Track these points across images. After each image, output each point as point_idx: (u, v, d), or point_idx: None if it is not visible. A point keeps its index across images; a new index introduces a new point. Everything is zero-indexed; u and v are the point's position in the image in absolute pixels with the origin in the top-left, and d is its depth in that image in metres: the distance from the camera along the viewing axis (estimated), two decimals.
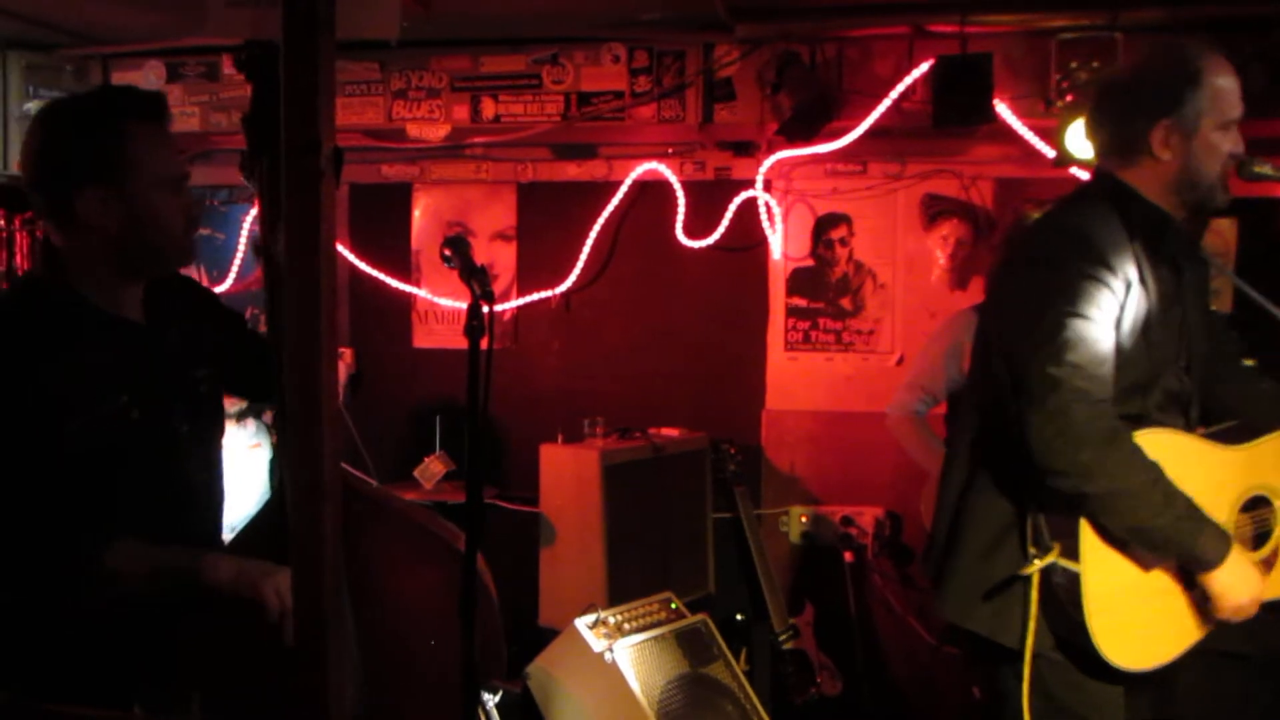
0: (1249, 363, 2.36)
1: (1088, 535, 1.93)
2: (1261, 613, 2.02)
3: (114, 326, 1.82)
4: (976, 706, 2.32)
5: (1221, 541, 1.91)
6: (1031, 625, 1.96)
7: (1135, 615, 1.96)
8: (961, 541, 2.13)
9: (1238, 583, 1.93)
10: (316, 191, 1.24)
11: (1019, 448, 1.92)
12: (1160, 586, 1.99)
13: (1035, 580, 1.95)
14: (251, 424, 4.06)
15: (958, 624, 2.16)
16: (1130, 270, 1.96)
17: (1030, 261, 2.07)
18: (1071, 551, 1.92)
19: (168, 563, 1.76)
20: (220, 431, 2.06)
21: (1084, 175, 2.38)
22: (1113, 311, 1.94)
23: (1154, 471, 1.88)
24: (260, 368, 1.95)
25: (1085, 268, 1.93)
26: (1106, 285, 1.93)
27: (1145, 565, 1.96)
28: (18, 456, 1.68)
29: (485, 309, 1.54)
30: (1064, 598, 1.93)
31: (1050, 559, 1.92)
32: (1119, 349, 1.96)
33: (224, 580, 1.73)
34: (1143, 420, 1.99)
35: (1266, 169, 2.03)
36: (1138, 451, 1.89)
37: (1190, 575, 1.97)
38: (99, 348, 1.78)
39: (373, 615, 1.81)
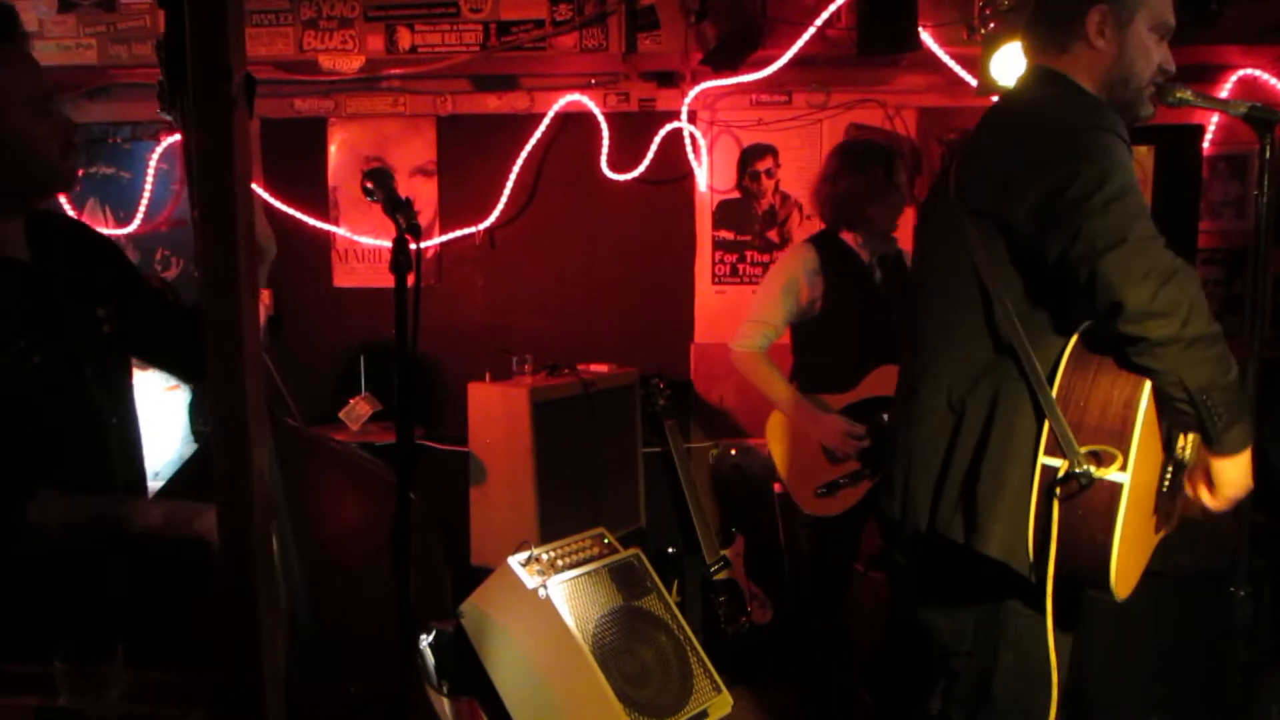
0: None
1: (1144, 438, 1.76)
2: (1176, 533, 2.06)
3: None
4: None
5: (1249, 420, 1.80)
6: (1053, 546, 1.79)
7: (1133, 534, 1.82)
8: (959, 458, 1.96)
9: (1248, 470, 1.84)
10: (229, 122, 1.17)
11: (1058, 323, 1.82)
12: (1149, 500, 1.90)
13: (1057, 495, 1.78)
14: None
15: (966, 544, 1.94)
16: (1128, 140, 1.89)
17: (1048, 127, 1.90)
18: (1124, 455, 1.74)
19: (94, 511, 1.71)
20: (128, 371, 1.97)
21: None
22: (1134, 171, 1.84)
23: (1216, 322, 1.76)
24: (179, 338, 1.87)
25: (1108, 124, 1.85)
26: (1126, 146, 1.85)
27: (1157, 474, 1.88)
28: None
29: (411, 243, 1.49)
30: (1094, 510, 1.76)
31: (1116, 470, 1.72)
32: None
33: (155, 524, 1.68)
34: None
35: (1187, 94, 2.05)
36: None
37: (1165, 481, 1.92)
38: None
39: (313, 553, 1.78)
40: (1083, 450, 1.77)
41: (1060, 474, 1.78)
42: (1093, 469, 1.75)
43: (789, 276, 3.33)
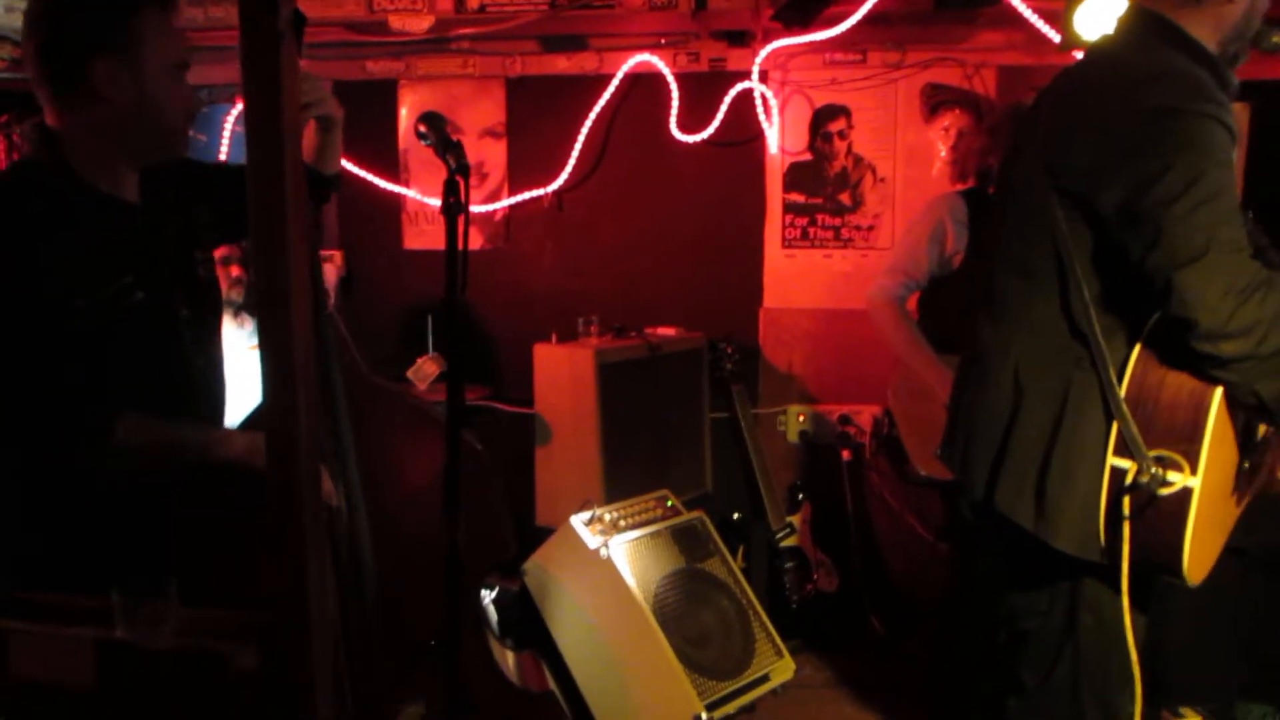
0: None
1: (1215, 438, 1.72)
2: (1259, 509, 1.99)
3: (114, 207, 1.82)
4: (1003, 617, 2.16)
5: None
6: (1126, 547, 1.77)
7: (1207, 524, 1.79)
8: (1023, 439, 1.91)
9: None
10: (276, 56, 1.17)
11: (1126, 326, 1.77)
12: (1225, 488, 1.87)
13: (1127, 499, 1.76)
14: (249, 324, 3.99)
15: (1033, 531, 1.91)
16: (1232, 121, 1.77)
17: (1144, 111, 1.77)
18: (1193, 460, 1.72)
19: (178, 437, 1.79)
20: (218, 319, 2.07)
21: None
22: (1233, 161, 1.75)
23: None
24: None
25: (1209, 110, 1.73)
26: (1228, 131, 1.74)
27: (1234, 461, 1.84)
28: (29, 335, 1.69)
29: (463, 192, 1.48)
30: (1164, 514, 1.74)
31: (1185, 477, 1.71)
32: None
33: (236, 453, 1.76)
34: None
35: None
36: None
37: (1244, 463, 1.87)
38: (101, 228, 1.79)
39: (378, 497, 1.80)
40: (1151, 454, 1.74)
41: (1129, 479, 1.76)
42: (1160, 472, 1.73)
43: (935, 222, 3.27)
